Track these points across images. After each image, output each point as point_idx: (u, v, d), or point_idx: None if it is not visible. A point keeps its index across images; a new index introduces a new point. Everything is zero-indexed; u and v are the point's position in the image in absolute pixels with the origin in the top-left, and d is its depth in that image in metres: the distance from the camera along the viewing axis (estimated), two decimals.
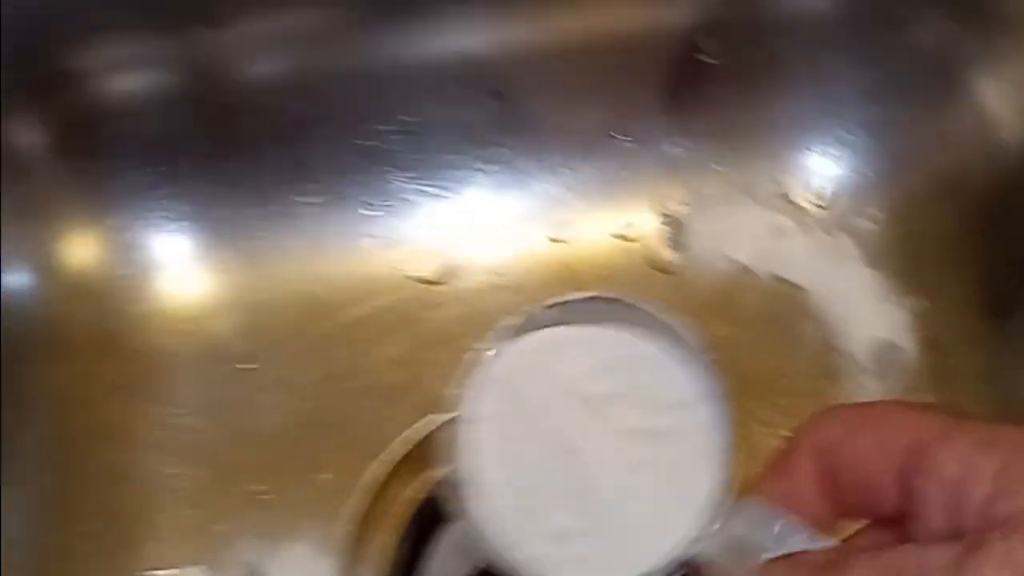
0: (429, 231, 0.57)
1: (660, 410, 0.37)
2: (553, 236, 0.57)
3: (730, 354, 0.52)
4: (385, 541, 0.51)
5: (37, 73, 0.52)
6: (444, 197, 0.57)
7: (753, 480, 0.34)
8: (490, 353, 0.38)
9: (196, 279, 0.56)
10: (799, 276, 0.55)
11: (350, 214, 0.57)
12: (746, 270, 0.55)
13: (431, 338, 0.55)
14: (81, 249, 0.55)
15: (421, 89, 0.56)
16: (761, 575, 0.31)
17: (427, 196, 0.57)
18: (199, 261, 0.56)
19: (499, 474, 0.38)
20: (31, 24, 0.51)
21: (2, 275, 0.53)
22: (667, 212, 0.57)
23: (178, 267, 0.56)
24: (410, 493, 0.51)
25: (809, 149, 0.57)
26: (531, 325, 0.38)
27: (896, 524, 0.31)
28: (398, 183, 0.57)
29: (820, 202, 0.57)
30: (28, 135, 0.53)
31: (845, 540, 0.32)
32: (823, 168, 0.57)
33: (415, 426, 0.52)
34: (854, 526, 0.33)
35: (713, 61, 0.55)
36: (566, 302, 0.38)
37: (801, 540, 0.32)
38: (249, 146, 0.56)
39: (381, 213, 0.57)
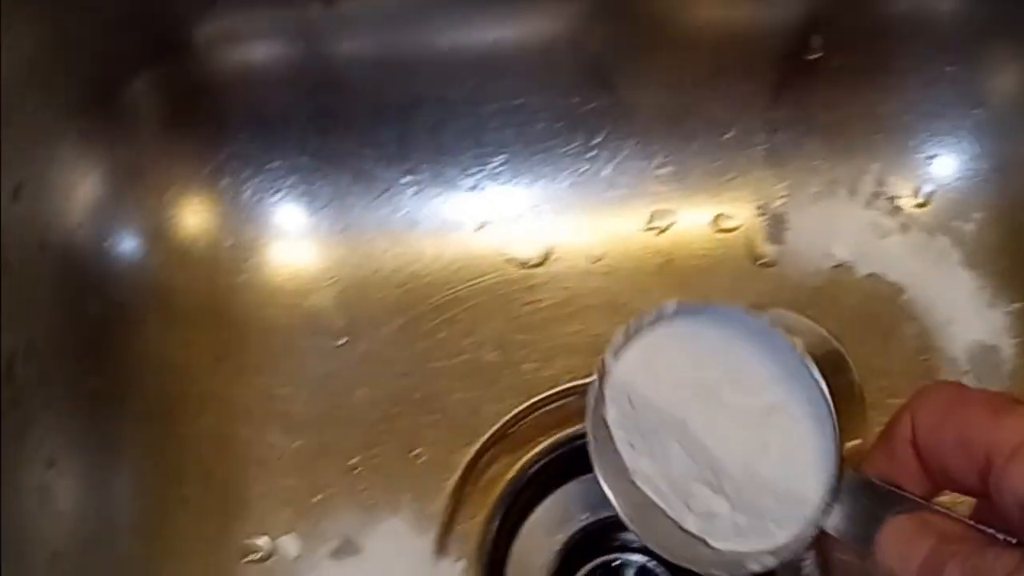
0: (529, 213, 0.57)
1: (763, 387, 0.38)
2: (651, 224, 0.57)
3: None
4: (479, 519, 0.51)
5: (153, 40, 0.53)
6: (545, 180, 0.57)
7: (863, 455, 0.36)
8: (601, 369, 0.41)
9: (299, 253, 0.57)
10: (898, 275, 0.55)
11: (451, 194, 0.57)
12: (845, 267, 0.55)
13: (528, 320, 0.55)
14: (189, 218, 0.56)
15: (527, 73, 0.56)
16: (890, 531, 0.34)
17: (528, 179, 0.57)
18: (302, 235, 0.57)
19: (640, 471, 0.40)
20: None
21: (113, 242, 0.54)
22: (767, 206, 0.57)
23: (282, 240, 0.57)
24: (505, 473, 0.52)
25: (912, 148, 0.57)
26: (630, 336, 0.41)
27: None
28: (500, 165, 0.57)
29: (921, 202, 0.57)
30: (141, 103, 0.54)
31: None
32: (925, 168, 0.57)
33: (512, 407, 0.53)
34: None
35: (821, 57, 0.55)
36: (658, 316, 0.40)
37: (912, 506, 0.34)
38: (355, 123, 0.56)
39: (482, 194, 0.57)
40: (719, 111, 0.57)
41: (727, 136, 0.57)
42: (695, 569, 0.40)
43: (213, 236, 0.56)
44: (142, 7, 0.52)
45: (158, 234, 0.55)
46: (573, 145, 0.57)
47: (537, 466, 0.52)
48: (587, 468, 0.42)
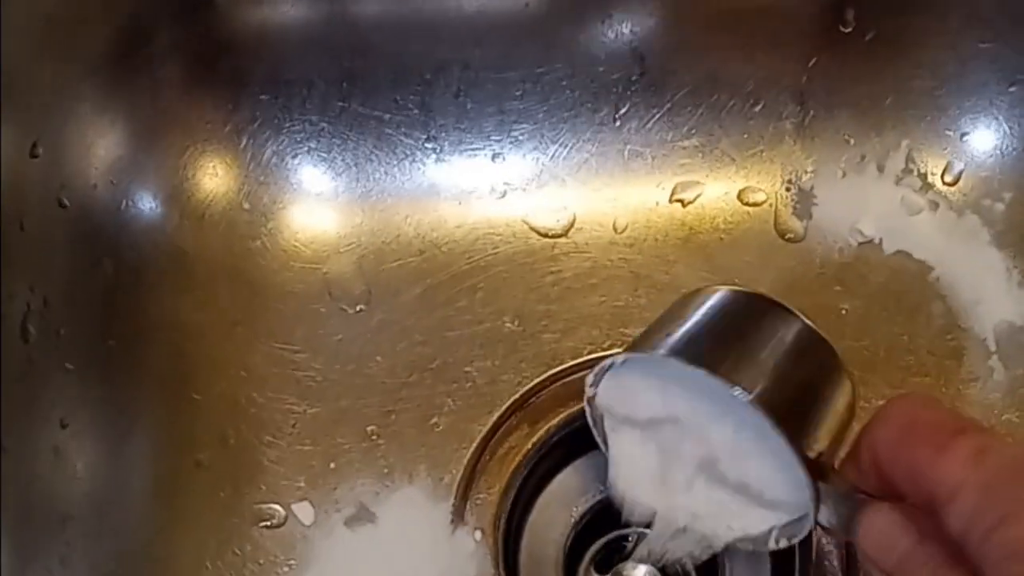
0: (552, 183, 0.57)
1: (729, 410, 0.40)
2: (677, 196, 0.56)
3: (854, 328, 0.53)
4: (496, 490, 0.51)
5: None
6: (569, 150, 0.57)
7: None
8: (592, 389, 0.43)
9: (318, 218, 0.56)
10: (926, 254, 0.54)
11: (474, 162, 0.57)
12: (872, 244, 0.55)
13: (549, 290, 0.55)
14: (207, 180, 0.55)
15: (554, 41, 0.55)
16: (870, 515, 0.35)
17: (552, 148, 0.57)
18: (322, 199, 0.56)
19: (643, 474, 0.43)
20: None
21: (131, 202, 0.53)
22: (795, 180, 0.56)
23: (301, 204, 0.56)
24: (523, 444, 0.51)
25: (944, 125, 0.56)
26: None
27: None
28: (525, 134, 0.56)
29: (951, 180, 0.56)
30: (161, 61, 0.53)
31: None
32: (957, 146, 0.56)
33: (531, 378, 0.52)
34: None
35: (854, 31, 0.54)
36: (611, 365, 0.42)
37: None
38: (378, 87, 0.56)
39: (504, 162, 0.57)
40: (748, 83, 0.56)
41: (756, 109, 0.56)
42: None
43: (231, 198, 0.56)
44: None
45: (176, 195, 0.55)
46: (599, 115, 0.56)
47: (555, 438, 0.51)
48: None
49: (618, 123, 0.56)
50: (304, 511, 0.51)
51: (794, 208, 0.56)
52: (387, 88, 0.56)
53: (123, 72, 0.53)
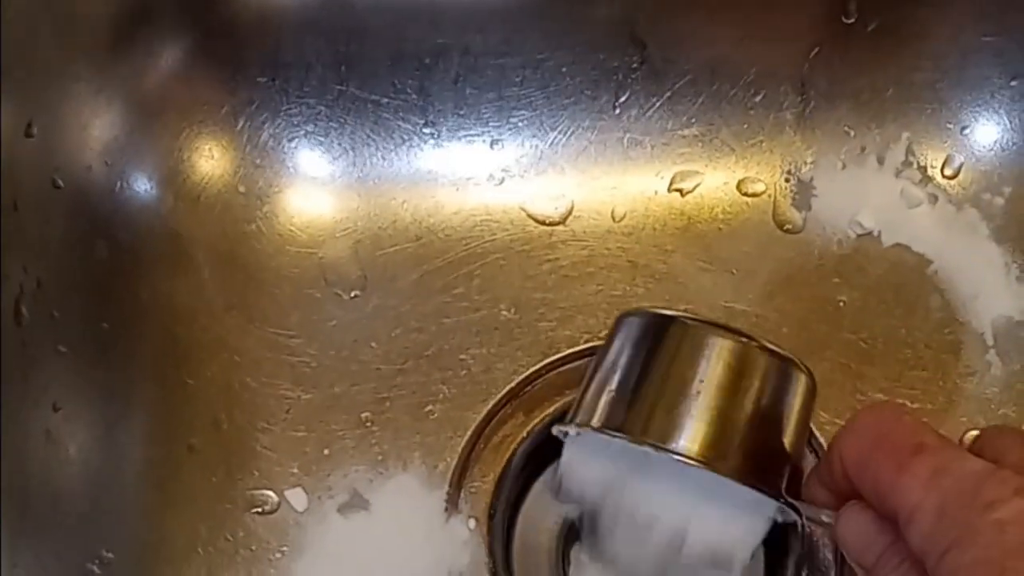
0: (550, 170, 0.56)
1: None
2: (675, 185, 0.56)
3: (851, 320, 0.53)
4: (490, 478, 0.50)
5: None
6: (568, 137, 0.56)
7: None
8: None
9: (314, 202, 0.56)
10: (925, 247, 0.54)
11: (472, 148, 0.56)
12: (871, 236, 0.54)
13: (546, 278, 0.54)
14: (203, 162, 0.55)
15: (554, 27, 0.55)
16: (848, 513, 0.36)
17: (551, 135, 0.56)
18: (318, 183, 0.56)
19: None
20: None
21: (126, 183, 0.53)
22: (795, 171, 0.56)
23: (297, 188, 0.56)
24: (518, 432, 0.51)
25: (945, 118, 0.56)
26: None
27: None
28: (524, 121, 0.56)
29: (951, 173, 0.56)
30: (158, 42, 0.53)
31: None
32: (957, 139, 0.56)
33: (527, 366, 0.52)
34: None
35: (857, 21, 0.54)
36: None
37: None
38: (376, 71, 0.55)
39: (503, 148, 0.56)
40: (749, 73, 0.55)
41: (756, 99, 0.56)
42: None
43: (227, 181, 0.55)
44: None
45: (171, 177, 0.54)
46: (598, 102, 0.56)
47: (551, 427, 0.51)
48: None
49: (618, 111, 0.56)
50: (297, 497, 0.50)
51: (793, 199, 0.56)
52: (385, 72, 0.55)
53: (120, 52, 0.52)
